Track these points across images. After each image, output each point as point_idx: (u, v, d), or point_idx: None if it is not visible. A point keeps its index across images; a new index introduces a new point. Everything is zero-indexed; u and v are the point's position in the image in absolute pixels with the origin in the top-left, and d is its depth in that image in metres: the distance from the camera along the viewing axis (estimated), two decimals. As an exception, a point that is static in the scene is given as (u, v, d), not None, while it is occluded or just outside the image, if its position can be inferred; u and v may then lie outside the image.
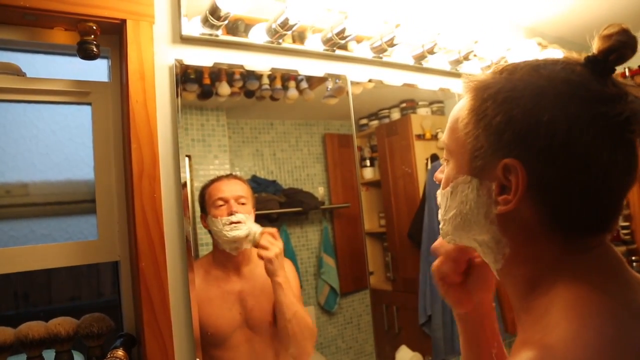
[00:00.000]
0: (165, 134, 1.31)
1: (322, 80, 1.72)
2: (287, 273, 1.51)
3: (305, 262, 1.68)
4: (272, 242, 1.39)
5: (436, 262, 0.81)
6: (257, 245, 1.39)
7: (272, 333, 1.45)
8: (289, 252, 1.63)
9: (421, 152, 2.08)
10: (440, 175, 0.70)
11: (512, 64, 0.60)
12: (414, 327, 1.94)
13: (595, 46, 0.56)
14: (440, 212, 0.70)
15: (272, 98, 1.63)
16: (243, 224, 1.40)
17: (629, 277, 0.56)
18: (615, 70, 0.56)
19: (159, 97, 1.29)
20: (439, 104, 2.14)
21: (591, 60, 0.56)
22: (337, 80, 1.75)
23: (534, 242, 0.58)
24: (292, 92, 1.67)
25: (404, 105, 2.05)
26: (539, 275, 0.58)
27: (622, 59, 0.55)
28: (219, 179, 1.47)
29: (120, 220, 1.31)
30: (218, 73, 1.49)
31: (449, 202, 0.66)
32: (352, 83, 1.76)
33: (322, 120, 1.80)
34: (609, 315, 0.50)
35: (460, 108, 0.64)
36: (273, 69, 1.57)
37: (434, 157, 2.10)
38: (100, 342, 1.21)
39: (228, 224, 1.39)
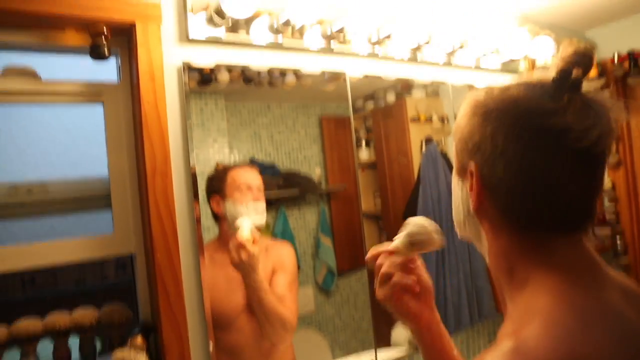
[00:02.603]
0: (175, 132, 1.37)
1: None
2: (283, 256, 1.60)
3: (303, 244, 1.74)
4: (238, 250, 1.40)
5: (394, 279, 0.82)
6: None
7: None
8: (287, 234, 1.69)
9: (416, 134, 2.11)
10: None
11: (497, 86, 0.68)
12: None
13: (555, 66, 0.62)
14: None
15: (270, 84, 1.66)
16: (264, 214, 1.51)
17: (602, 275, 0.62)
18: (579, 85, 0.61)
19: (168, 97, 1.34)
20: (434, 86, 2.17)
21: (553, 79, 0.63)
22: None
23: (502, 236, 0.66)
24: (290, 78, 1.70)
25: (399, 87, 2.07)
26: (514, 267, 0.64)
27: (580, 76, 0.61)
28: (240, 165, 1.56)
29: (134, 215, 1.37)
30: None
31: (452, 198, 0.76)
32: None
33: (318, 102, 1.82)
34: (577, 311, 0.56)
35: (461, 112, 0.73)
36: (274, 68, 1.61)
37: (428, 140, 2.14)
38: (120, 332, 1.29)
39: (253, 210, 1.48)
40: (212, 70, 1.51)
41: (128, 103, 1.38)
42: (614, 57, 2.58)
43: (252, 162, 1.62)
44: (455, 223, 0.76)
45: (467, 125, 0.68)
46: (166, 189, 1.30)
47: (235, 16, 1.35)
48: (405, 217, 2.04)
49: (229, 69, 1.53)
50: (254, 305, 1.46)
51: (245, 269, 1.41)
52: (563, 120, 0.59)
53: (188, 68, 1.41)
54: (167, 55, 1.36)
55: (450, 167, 2.08)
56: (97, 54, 1.26)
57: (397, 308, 0.83)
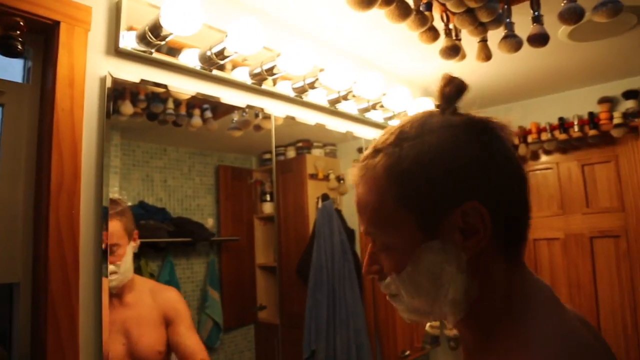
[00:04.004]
0: (90, 148, 1.22)
1: (227, 111, 1.73)
2: (174, 303, 1.49)
3: (189, 296, 1.62)
4: None
5: None
6: None
7: None
8: (173, 284, 1.57)
9: (313, 191, 2.16)
10: (376, 266, 0.69)
11: (395, 137, 0.65)
12: (300, 361, 1.97)
13: (437, 96, 0.67)
14: (406, 298, 0.67)
15: (175, 123, 1.60)
16: (117, 274, 1.31)
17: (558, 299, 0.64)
18: (455, 105, 0.66)
19: (86, 108, 1.20)
20: (332, 146, 2.26)
21: (442, 107, 0.66)
22: (244, 114, 1.78)
23: (493, 267, 0.63)
24: (196, 120, 1.65)
25: (300, 144, 2.12)
26: (495, 311, 0.62)
27: (455, 97, 0.66)
28: None
29: (24, 238, 1.17)
30: (122, 91, 1.42)
31: (417, 279, 0.64)
32: (266, 118, 1.81)
33: (216, 151, 1.79)
34: (567, 339, 0.57)
35: (373, 196, 0.65)
36: (199, 94, 1.55)
37: (325, 197, 2.19)
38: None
39: None
40: (115, 101, 1.40)
41: (35, 109, 1.20)
42: (545, 126, 2.84)
43: (141, 206, 1.51)
44: (425, 308, 0.66)
45: (431, 173, 0.61)
46: (72, 211, 1.14)
47: (176, 32, 1.28)
48: (298, 272, 2.06)
49: (133, 99, 1.44)
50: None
51: None
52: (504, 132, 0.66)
53: (113, 80, 1.29)
54: (91, 64, 1.23)
55: (344, 224, 2.18)
56: (8, 48, 1.10)
57: None
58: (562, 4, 1.45)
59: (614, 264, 2.55)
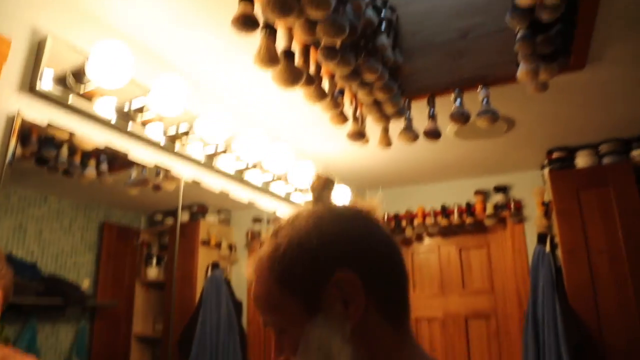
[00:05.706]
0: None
1: (124, 166, 1.67)
2: None
3: None
4: None
5: None
6: None
7: None
8: (32, 354, 1.38)
9: (204, 258, 2.10)
10: (282, 356, 0.69)
11: (274, 229, 0.71)
12: None
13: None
14: None
15: (66, 172, 1.50)
16: None
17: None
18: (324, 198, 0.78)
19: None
20: (226, 213, 2.24)
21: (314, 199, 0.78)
22: (144, 171, 1.72)
23: (379, 337, 0.65)
24: (90, 171, 1.56)
25: (195, 209, 2.07)
26: None
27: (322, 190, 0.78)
28: None
29: None
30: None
31: (310, 358, 0.65)
32: (168, 178, 1.76)
33: (103, 205, 1.69)
34: None
35: (262, 286, 0.68)
36: (107, 147, 1.48)
37: (215, 265, 2.15)
38: None
39: None
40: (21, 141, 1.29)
41: None
42: (383, 217, 3.09)
43: (9, 259, 1.35)
44: None
45: (302, 255, 0.65)
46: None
47: (100, 85, 1.24)
48: (180, 344, 1.96)
49: (24, 140, 1.32)
50: None
51: None
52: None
53: (21, 120, 1.19)
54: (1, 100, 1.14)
55: (233, 295, 2.11)
56: None
57: None
58: (453, 107, 1.66)
59: (485, 344, 2.77)
